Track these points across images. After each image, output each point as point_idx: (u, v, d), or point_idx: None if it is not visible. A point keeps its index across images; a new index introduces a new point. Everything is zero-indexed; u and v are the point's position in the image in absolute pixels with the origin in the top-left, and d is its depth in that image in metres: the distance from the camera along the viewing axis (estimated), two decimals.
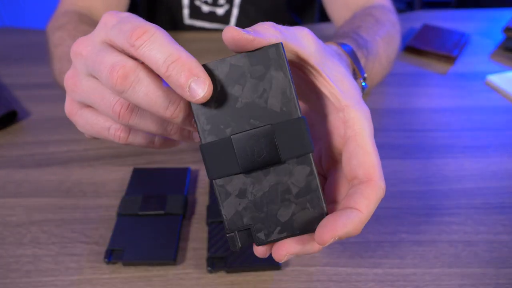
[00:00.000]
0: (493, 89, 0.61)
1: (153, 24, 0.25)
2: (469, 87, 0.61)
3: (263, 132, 0.24)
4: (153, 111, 0.25)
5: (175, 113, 0.25)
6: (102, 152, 0.50)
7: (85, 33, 0.44)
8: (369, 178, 0.26)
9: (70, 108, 0.31)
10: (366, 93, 0.41)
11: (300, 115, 0.25)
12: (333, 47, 0.36)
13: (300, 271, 0.37)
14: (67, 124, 0.54)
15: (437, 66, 0.66)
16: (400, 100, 0.58)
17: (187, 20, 0.78)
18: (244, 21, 0.77)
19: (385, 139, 0.52)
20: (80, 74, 0.28)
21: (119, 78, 0.24)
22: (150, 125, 0.28)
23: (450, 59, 0.66)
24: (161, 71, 0.24)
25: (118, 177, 0.46)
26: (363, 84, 0.38)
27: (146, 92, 0.25)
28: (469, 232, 0.40)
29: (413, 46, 0.69)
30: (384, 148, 0.50)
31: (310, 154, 0.25)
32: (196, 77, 0.23)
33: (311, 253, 0.27)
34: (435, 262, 0.38)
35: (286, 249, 0.26)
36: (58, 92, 0.60)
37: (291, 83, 0.25)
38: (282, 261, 0.26)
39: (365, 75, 0.38)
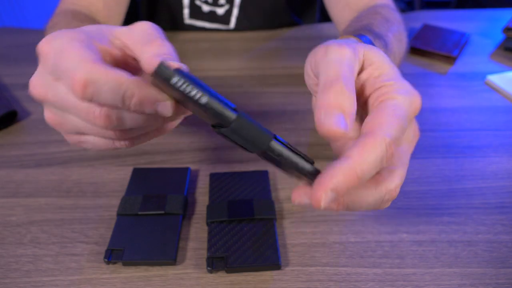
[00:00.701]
0: (493, 89, 0.61)
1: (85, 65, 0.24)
2: (469, 87, 0.61)
3: None
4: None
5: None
6: (102, 152, 0.50)
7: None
8: (371, 131, 0.24)
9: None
10: None
11: None
12: (352, 39, 0.35)
13: (300, 271, 0.37)
14: None
15: (437, 66, 0.66)
16: None
17: (187, 20, 0.78)
18: (244, 21, 0.77)
19: None
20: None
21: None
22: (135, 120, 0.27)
23: (450, 59, 0.66)
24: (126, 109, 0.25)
25: (118, 177, 0.46)
26: None
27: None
28: (469, 232, 0.40)
29: (413, 46, 0.69)
30: None
31: None
32: (158, 102, 0.25)
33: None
34: (435, 262, 0.38)
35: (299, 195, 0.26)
36: None
37: None
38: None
39: None
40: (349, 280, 0.36)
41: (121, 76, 0.24)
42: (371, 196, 0.26)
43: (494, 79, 0.61)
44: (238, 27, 0.77)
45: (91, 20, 0.56)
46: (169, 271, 0.37)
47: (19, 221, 0.42)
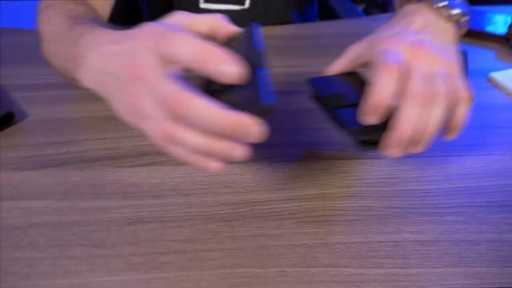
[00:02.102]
0: (496, 86, 0.60)
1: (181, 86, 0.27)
2: (471, 84, 0.61)
3: None
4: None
5: None
6: (100, 153, 0.49)
7: (71, 12, 0.49)
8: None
9: None
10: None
11: None
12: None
13: (302, 272, 0.37)
14: (65, 125, 0.54)
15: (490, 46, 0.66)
16: None
17: (202, 4, 0.78)
18: (259, 0, 0.77)
19: None
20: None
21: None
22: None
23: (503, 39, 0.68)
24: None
25: (117, 178, 0.46)
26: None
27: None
28: (473, 231, 0.40)
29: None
30: None
31: None
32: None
33: None
34: (438, 262, 0.37)
35: None
36: (55, 93, 0.60)
37: None
38: None
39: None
40: (352, 280, 0.36)
41: (214, 107, 0.27)
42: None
43: (497, 76, 0.61)
44: (253, 6, 0.77)
45: (83, 2, 0.55)
46: (170, 274, 0.37)
47: (17, 224, 0.41)
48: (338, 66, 0.44)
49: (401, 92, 0.35)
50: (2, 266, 0.37)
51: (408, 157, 0.48)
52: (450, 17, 0.43)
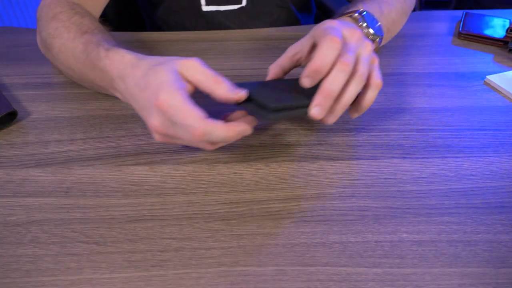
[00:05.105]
0: (492, 89, 0.61)
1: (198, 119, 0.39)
2: (469, 87, 0.61)
3: None
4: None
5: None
6: (102, 152, 0.50)
7: (78, 25, 0.54)
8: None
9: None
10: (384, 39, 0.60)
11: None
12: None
13: (300, 271, 0.37)
14: (67, 124, 0.54)
15: (437, 66, 0.66)
16: (400, 100, 0.58)
17: (204, 7, 0.78)
18: None
19: (385, 138, 0.52)
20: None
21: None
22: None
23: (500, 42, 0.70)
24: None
25: (118, 177, 0.46)
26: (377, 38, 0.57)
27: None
28: (469, 231, 0.40)
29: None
30: (384, 148, 0.50)
31: None
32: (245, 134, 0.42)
33: None
34: (434, 262, 0.38)
35: None
36: (58, 92, 0.60)
37: None
38: None
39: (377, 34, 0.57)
40: (349, 280, 0.36)
41: (224, 127, 0.39)
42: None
43: (494, 78, 0.61)
44: (250, 4, 0.79)
45: (87, 12, 0.57)
46: (169, 271, 0.37)
47: (19, 221, 0.42)
48: (279, 62, 0.51)
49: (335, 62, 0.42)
50: (4, 262, 0.38)
51: (406, 158, 0.49)
52: (368, 35, 0.56)
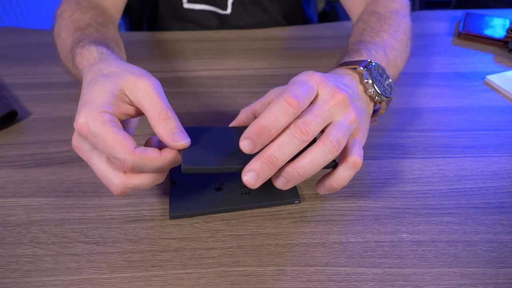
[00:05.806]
0: (492, 88, 0.61)
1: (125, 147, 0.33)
2: (469, 87, 0.61)
3: None
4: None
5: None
6: None
7: (76, 22, 0.53)
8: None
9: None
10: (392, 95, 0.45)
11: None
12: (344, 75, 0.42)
13: (300, 271, 0.37)
14: (67, 124, 0.54)
15: (437, 66, 0.66)
16: (400, 100, 0.59)
17: (186, 5, 0.79)
18: (240, 8, 0.79)
19: (385, 139, 0.52)
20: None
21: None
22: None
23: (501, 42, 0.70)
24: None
25: None
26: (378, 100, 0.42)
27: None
28: (469, 232, 0.40)
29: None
30: (384, 148, 0.50)
31: None
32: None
33: None
34: (434, 262, 0.38)
35: None
36: (58, 92, 0.60)
37: None
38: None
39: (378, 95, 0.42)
40: (349, 280, 0.36)
41: (152, 156, 0.34)
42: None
43: (494, 78, 0.61)
44: (234, 13, 0.79)
45: (92, 5, 0.57)
46: (169, 271, 0.37)
47: (19, 221, 0.42)
48: (252, 106, 0.44)
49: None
50: (4, 262, 0.38)
51: (406, 158, 0.49)
52: (373, 96, 0.41)
